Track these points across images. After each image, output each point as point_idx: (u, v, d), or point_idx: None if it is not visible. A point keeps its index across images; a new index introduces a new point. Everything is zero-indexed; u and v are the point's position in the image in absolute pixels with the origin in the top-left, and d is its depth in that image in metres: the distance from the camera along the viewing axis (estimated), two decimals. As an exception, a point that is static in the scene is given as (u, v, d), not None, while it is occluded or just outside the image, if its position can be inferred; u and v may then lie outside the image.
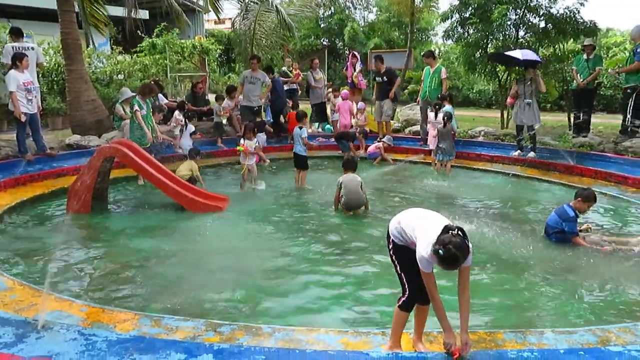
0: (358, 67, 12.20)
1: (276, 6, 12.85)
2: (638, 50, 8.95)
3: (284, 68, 13.26)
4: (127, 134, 9.23)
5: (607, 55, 17.98)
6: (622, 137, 9.36)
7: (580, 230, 5.49)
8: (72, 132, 10.10)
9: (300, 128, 8.08)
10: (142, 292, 4.23)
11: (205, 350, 2.81)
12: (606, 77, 16.67)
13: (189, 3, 20.10)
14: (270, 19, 13.47)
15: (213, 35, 22.53)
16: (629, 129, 9.33)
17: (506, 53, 10.19)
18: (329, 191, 7.27)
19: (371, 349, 3.04)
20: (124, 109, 9.76)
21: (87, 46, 13.08)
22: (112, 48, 16.02)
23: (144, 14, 15.73)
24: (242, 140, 7.87)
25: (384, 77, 11.45)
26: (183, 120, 9.86)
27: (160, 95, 10.88)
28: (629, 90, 9.14)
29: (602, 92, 17.50)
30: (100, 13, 11.23)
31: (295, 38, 17.83)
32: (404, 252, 3.05)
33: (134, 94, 9.80)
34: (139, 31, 13.65)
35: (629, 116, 9.19)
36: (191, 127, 9.60)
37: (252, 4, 13.24)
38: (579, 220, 5.47)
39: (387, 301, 4.11)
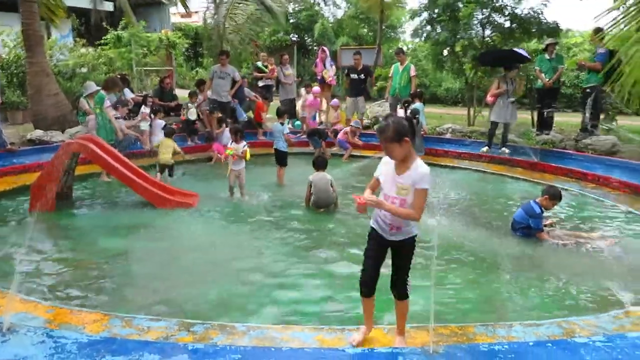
0: (328, 63, 12.20)
1: None
2: (599, 51, 9.28)
3: (259, 63, 13.15)
4: (92, 129, 8.99)
5: (568, 55, 18.55)
6: (583, 135, 9.69)
7: (545, 226, 5.67)
8: (34, 127, 9.78)
9: (282, 124, 8.07)
10: (112, 292, 4.14)
11: (180, 351, 2.77)
12: (567, 76, 17.19)
13: (154, -5, 19.75)
14: (242, 12, 13.32)
15: (180, 29, 22.12)
16: (588, 127, 9.67)
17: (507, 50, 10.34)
18: (297, 187, 7.29)
19: (347, 345, 3.07)
20: (88, 104, 9.48)
21: (48, 38, 12.67)
22: (75, 40, 15.54)
23: (108, 6, 15.33)
24: (230, 144, 7.20)
25: (361, 74, 11.52)
26: (149, 114, 9.66)
27: (126, 90, 10.65)
28: (588, 90, 9.46)
29: (562, 91, 18.05)
30: (57, 4, 10.89)
31: (283, 24, 17.76)
32: (369, 241, 3.19)
33: (99, 88, 9.56)
34: (103, 23, 13.29)
35: (588, 115, 9.51)
36: (161, 122, 9.41)
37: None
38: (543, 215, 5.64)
39: (359, 297, 4.16)
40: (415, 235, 3.05)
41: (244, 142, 7.12)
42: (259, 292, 4.22)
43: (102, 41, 15.21)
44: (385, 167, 3.05)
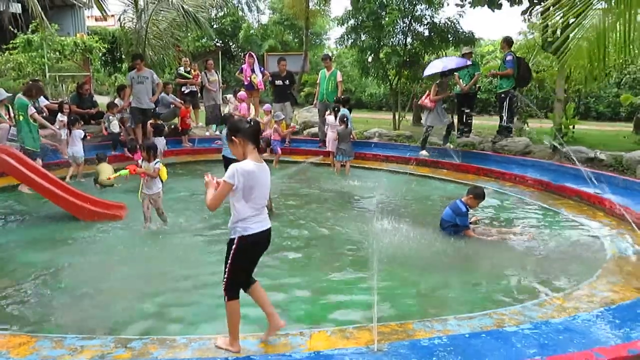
0: (257, 68, 12.14)
1: (181, 5, 12.36)
2: (507, 58, 9.96)
3: (181, 69, 12.83)
4: (2, 139, 8.40)
5: (482, 62, 19.73)
6: (499, 137, 10.33)
7: (470, 223, 5.98)
8: None
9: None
10: (37, 312, 3.87)
11: (120, 368, 2.65)
12: (482, 82, 18.25)
13: (67, -3, 18.70)
14: (164, 18, 12.95)
15: (96, 33, 21.12)
16: (503, 130, 10.33)
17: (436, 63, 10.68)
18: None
19: (292, 350, 3.07)
20: (-3, 111, 8.84)
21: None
22: (-22, 44, 14.41)
23: (16, 8, 14.31)
24: (140, 162, 6.17)
25: (286, 80, 11.57)
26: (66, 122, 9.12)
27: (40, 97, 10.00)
28: (502, 95, 10.11)
29: (478, 96, 19.17)
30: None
31: (210, 32, 17.47)
32: None
33: (9, 94, 8.92)
34: (11, 26, 12.39)
35: (504, 117, 10.17)
36: (80, 132, 8.86)
37: (150, 4, 12.62)
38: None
39: (302, 301, 4.19)
40: (234, 240, 3.07)
41: (157, 161, 6.10)
42: (197, 303, 4.12)
43: (10, 45, 14.21)
44: None
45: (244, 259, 3.12)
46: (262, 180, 3.10)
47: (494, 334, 3.22)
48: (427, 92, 10.55)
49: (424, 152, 10.22)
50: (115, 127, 10.22)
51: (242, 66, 12.67)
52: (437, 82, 10.38)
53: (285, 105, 11.59)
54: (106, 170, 7.99)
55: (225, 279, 3.10)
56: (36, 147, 7.66)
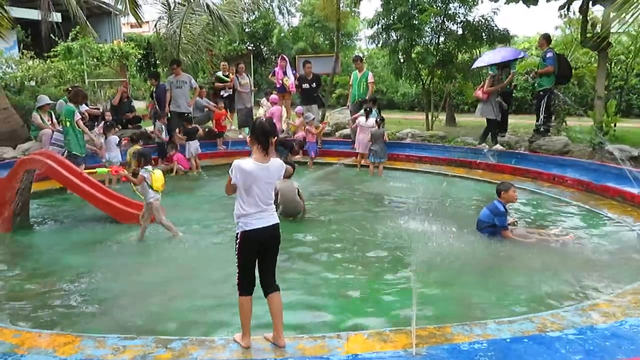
0: (289, 71, 12.22)
1: (207, 5, 12.56)
2: (547, 55, 9.69)
3: (219, 73, 13.02)
4: (45, 144, 8.69)
5: (518, 60, 19.29)
6: (536, 136, 10.07)
7: (508, 224, 5.85)
8: (-18, 144, 9.32)
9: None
10: (80, 312, 3.99)
11: (161, 368, 2.70)
12: (517, 80, 17.86)
13: (104, 6, 19.21)
14: (197, 22, 13.17)
15: (132, 39, 21.65)
16: (541, 129, 10.06)
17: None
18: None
19: (329, 353, 3.06)
20: (41, 117, 9.15)
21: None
22: (22, 53, 14.94)
23: (57, 17, 14.81)
24: (142, 170, 5.74)
25: (312, 83, 11.62)
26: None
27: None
28: (541, 93, 9.85)
29: (514, 94, 18.77)
30: (2, 14, 10.47)
31: (236, 35, 17.70)
32: None
33: (52, 101, 9.24)
34: (52, 35, 12.83)
35: (541, 116, 9.90)
36: (115, 138, 9.08)
37: (179, 5, 12.87)
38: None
39: (337, 303, 4.18)
40: (238, 234, 3.19)
41: (148, 168, 5.74)
42: (232, 305, 4.15)
43: (52, 53, 14.69)
44: None
45: (247, 253, 3.20)
46: (262, 179, 3.16)
47: (537, 339, 3.13)
48: (482, 83, 10.25)
49: (498, 146, 9.92)
50: (165, 134, 10.36)
51: (275, 69, 12.77)
52: (492, 74, 10.05)
53: (312, 107, 11.64)
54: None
55: (237, 274, 3.22)
56: (82, 152, 7.91)
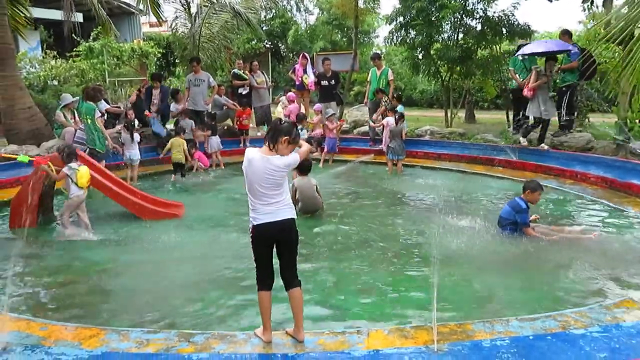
0: (310, 69, 12.23)
1: (232, 6, 12.66)
2: (572, 50, 9.50)
3: (236, 70, 13.09)
4: (69, 142, 8.82)
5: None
6: (559, 133, 9.91)
7: (530, 221, 5.77)
8: (8, 141, 9.56)
9: (301, 129, 8.06)
10: (104, 306, 4.06)
11: (185, 361, 2.73)
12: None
13: (124, 6, 19.46)
14: (217, 20, 13.26)
15: (151, 39, 21.91)
16: (564, 125, 9.89)
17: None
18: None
19: (350, 348, 3.06)
20: (64, 116, 9.31)
21: (17, 50, 12.40)
22: (45, 52, 15.23)
23: (78, 17, 15.05)
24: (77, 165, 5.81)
25: (331, 80, 11.61)
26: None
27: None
28: (564, 89, 9.67)
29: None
30: (23, 15, 10.70)
31: (262, 33, 17.86)
32: None
33: (75, 99, 9.39)
34: (74, 34, 13.05)
35: (563, 112, 9.74)
36: (136, 136, 9.18)
37: (203, 7, 12.96)
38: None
39: (356, 300, 4.18)
40: (249, 229, 3.27)
41: (72, 165, 5.74)
42: (254, 300, 4.18)
43: (74, 52, 14.95)
44: None
45: (259, 248, 3.24)
46: (260, 169, 3.16)
47: (560, 336, 3.09)
48: (528, 80, 9.59)
49: (521, 140, 9.68)
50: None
51: (295, 66, 12.78)
52: (537, 68, 9.57)
53: (330, 105, 11.61)
54: (179, 147, 8.75)
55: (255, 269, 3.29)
56: (103, 149, 8.07)
